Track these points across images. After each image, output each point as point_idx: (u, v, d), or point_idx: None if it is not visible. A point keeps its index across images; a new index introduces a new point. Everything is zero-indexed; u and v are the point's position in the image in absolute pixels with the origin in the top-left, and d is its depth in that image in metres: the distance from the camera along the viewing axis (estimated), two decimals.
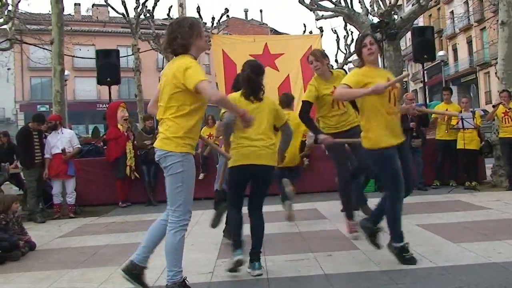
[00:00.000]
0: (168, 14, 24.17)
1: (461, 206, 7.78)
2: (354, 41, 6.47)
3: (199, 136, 4.27)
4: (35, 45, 18.98)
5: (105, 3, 22.02)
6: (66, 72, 14.19)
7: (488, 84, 38.34)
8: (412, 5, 17.81)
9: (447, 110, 10.22)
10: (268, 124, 4.74)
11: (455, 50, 44.64)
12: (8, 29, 16.74)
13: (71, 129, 11.73)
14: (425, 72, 15.93)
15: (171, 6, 24.68)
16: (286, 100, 7.23)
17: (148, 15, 21.88)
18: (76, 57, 27.38)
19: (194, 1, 64.90)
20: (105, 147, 11.14)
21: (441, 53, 29.16)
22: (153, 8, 21.80)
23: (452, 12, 42.48)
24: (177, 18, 4.39)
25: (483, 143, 10.27)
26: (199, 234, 6.45)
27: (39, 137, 9.26)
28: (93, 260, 5.74)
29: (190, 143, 3.93)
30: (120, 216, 9.15)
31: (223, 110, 4.95)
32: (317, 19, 18.39)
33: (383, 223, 4.78)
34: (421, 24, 37.21)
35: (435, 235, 5.72)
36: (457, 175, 10.21)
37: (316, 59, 5.94)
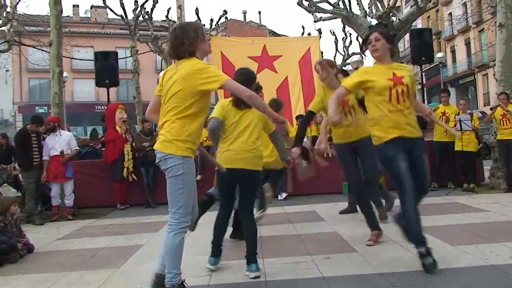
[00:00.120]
0: (166, 16, 24.22)
1: (459, 208, 7.79)
2: (361, 42, 6.25)
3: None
4: (33, 47, 18.97)
5: (103, 5, 21.99)
6: (65, 74, 14.23)
7: (487, 86, 38.38)
8: (411, 7, 17.83)
9: (445, 111, 10.28)
10: (255, 128, 4.83)
11: (453, 52, 44.69)
12: (6, 30, 16.71)
13: (69, 131, 11.71)
14: (423, 74, 15.93)
15: (169, 8, 24.59)
16: (275, 105, 7.16)
17: (146, 17, 21.90)
18: (75, 58, 27.36)
19: (193, 3, 65.04)
20: (103, 149, 11.14)
21: (439, 54, 29.17)
22: (152, 10, 21.80)
23: (450, 13, 42.55)
24: (180, 23, 4.40)
25: (481, 145, 10.29)
26: (199, 236, 6.44)
27: (38, 139, 9.26)
28: (92, 262, 5.74)
29: (191, 147, 3.93)
30: (118, 218, 9.14)
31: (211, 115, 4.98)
32: (315, 21, 18.39)
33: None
34: (419, 25, 37.35)
35: (433, 237, 5.69)
36: (455, 177, 10.24)
37: (322, 68, 5.80)
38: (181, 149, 3.86)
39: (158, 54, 24.18)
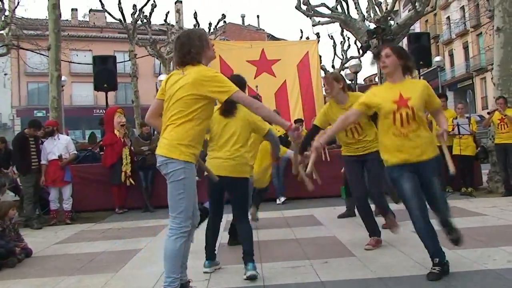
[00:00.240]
0: (165, 20, 24.31)
1: (457, 212, 7.76)
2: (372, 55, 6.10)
3: None
4: (32, 51, 19.00)
5: (102, 9, 22.04)
6: (63, 78, 14.26)
7: (485, 90, 38.46)
8: (409, 11, 17.89)
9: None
10: (239, 137, 4.87)
11: (451, 56, 44.77)
12: (5, 34, 16.74)
13: (68, 135, 11.71)
14: (421, 77, 15.99)
15: (168, 12, 24.71)
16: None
17: (145, 20, 21.98)
18: (73, 62, 27.40)
19: (191, 7, 65.10)
20: (102, 153, 11.13)
21: (437, 58, 29.21)
22: (150, 14, 21.91)
23: (448, 17, 42.69)
24: (184, 31, 4.39)
25: (478, 149, 10.30)
26: (198, 240, 6.44)
27: (36, 143, 9.25)
28: (90, 267, 5.73)
29: (194, 152, 3.93)
30: (116, 222, 9.13)
31: None
32: (313, 25, 18.45)
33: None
34: (417, 29, 37.38)
35: None
36: (453, 181, 10.22)
37: (326, 83, 5.71)
38: (184, 154, 3.86)
39: (157, 58, 24.21)
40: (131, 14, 21.40)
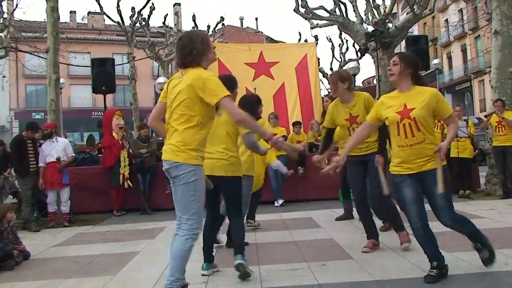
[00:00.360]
0: (163, 23, 24.33)
1: None
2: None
3: None
4: (30, 53, 18.98)
5: (100, 11, 22.04)
6: (62, 80, 14.23)
7: (483, 92, 38.49)
8: (407, 14, 17.92)
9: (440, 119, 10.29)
10: (228, 136, 4.90)
11: (449, 58, 44.84)
12: (3, 37, 16.77)
13: (66, 137, 11.70)
14: None
15: (166, 15, 24.71)
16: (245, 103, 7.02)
17: (143, 23, 22.00)
18: (72, 65, 27.38)
19: (190, 10, 65.21)
20: (100, 155, 11.11)
21: (435, 61, 29.28)
22: (149, 16, 21.93)
23: (446, 20, 42.75)
24: (186, 32, 4.38)
25: (476, 151, 10.32)
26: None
27: (34, 145, 9.24)
28: (88, 269, 5.73)
29: (201, 155, 3.97)
30: (115, 225, 9.11)
31: None
32: (312, 28, 18.51)
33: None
34: (415, 32, 37.43)
35: None
36: (451, 184, 10.24)
37: (331, 83, 5.74)
38: (193, 158, 3.88)
39: (155, 60, 24.26)
40: (130, 17, 21.41)
